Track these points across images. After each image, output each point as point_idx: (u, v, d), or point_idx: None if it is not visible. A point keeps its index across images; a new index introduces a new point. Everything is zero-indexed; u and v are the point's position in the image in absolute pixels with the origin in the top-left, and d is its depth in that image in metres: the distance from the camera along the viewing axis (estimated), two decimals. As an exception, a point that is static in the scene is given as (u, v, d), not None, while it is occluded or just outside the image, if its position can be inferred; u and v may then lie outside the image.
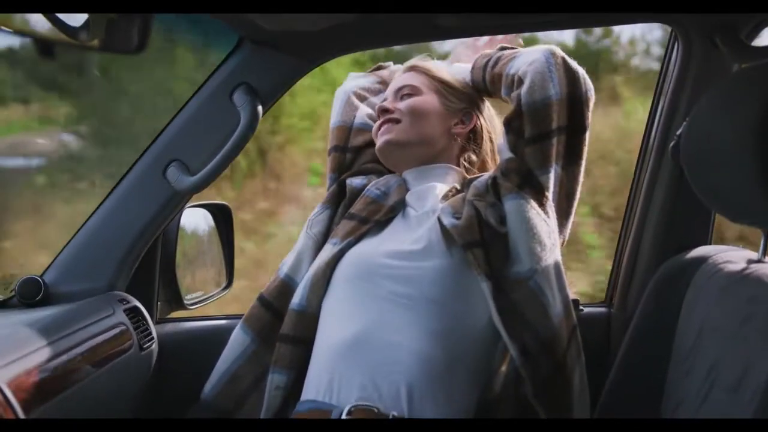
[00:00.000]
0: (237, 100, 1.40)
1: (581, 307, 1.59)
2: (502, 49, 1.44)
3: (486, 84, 1.44)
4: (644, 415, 1.26)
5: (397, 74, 1.53)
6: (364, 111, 1.56)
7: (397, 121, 1.42)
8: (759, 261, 1.17)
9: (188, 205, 1.53)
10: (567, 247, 1.39)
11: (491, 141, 1.49)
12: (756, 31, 1.37)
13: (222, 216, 1.74)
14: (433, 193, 1.36)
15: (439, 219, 1.26)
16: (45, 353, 1.06)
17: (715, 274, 1.20)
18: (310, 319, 1.29)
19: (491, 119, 1.51)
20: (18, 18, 0.96)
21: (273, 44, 1.39)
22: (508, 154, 1.33)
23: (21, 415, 0.92)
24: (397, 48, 1.77)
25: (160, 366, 1.46)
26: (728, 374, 1.03)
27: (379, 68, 1.66)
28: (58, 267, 1.41)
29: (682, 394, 1.15)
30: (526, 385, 1.18)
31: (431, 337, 1.18)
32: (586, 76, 1.35)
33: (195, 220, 1.68)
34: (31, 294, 1.35)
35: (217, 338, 1.41)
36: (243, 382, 1.34)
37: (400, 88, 1.46)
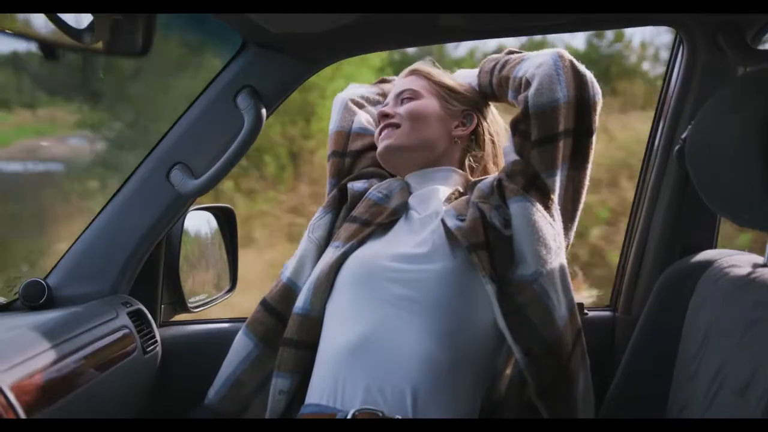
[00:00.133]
0: (241, 103, 1.40)
1: (586, 311, 1.58)
2: (510, 53, 1.44)
3: (493, 87, 1.44)
4: (649, 417, 1.25)
5: (399, 78, 1.53)
6: (362, 116, 1.57)
7: (397, 126, 1.42)
8: (765, 265, 1.17)
9: (192, 208, 1.53)
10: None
11: (493, 143, 1.49)
12: (761, 34, 1.37)
13: (225, 219, 1.74)
14: (436, 196, 1.36)
15: (442, 221, 1.26)
16: (48, 356, 1.06)
17: (720, 279, 1.19)
18: (313, 322, 1.29)
19: (495, 122, 1.51)
20: (24, 21, 0.96)
21: (276, 47, 1.39)
22: (514, 157, 1.32)
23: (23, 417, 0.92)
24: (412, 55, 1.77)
25: (163, 369, 1.46)
26: (735, 378, 1.03)
27: (383, 81, 1.67)
28: (62, 270, 1.41)
29: (688, 397, 1.15)
30: (530, 387, 1.18)
31: (435, 340, 1.17)
32: (594, 80, 1.35)
33: (198, 222, 1.67)
34: (34, 297, 1.35)
35: (221, 341, 1.41)
36: (247, 387, 1.34)
37: (400, 93, 1.46)
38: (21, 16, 0.95)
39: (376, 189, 1.42)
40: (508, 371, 1.26)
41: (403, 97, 1.45)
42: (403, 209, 1.36)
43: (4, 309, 1.37)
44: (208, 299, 1.67)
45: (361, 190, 1.43)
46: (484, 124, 1.47)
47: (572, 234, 1.37)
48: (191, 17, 1.56)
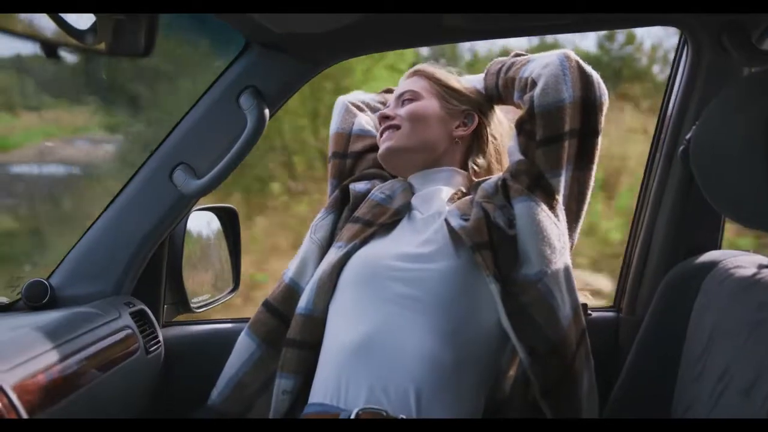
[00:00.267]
0: (244, 104, 1.40)
1: (590, 312, 1.58)
2: (517, 56, 1.44)
3: (499, 89, 1.44)
4: (653, 418, 1.25)
5: (401, 80, 1.53)
6: (362, 118, 1.57)
7: (398, 127, 1.42)
8: None
9: (195, 208, 1.53)
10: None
11: (496, 143, 1.48)
12: (766, 34, 1.36)
13: (228, 219, 1.74)
14: (439, 196, 1.36)
15: (446, 220, 1.26)
16: (51, 356, 1.06)
17: (725, 280, 1.19)
18: (316, 323, 1.29)
19: (498, 122, 1.50)
20: (26, 21, 0.96)
21: (279, 47, 1.39)
22: (518, 156, 1.32)
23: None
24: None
25: (166, 369, 1.46)
26: (740, 378, 1.03)
27: (388, 91, 1.67)
28: (65, 270, 1.41)
29: (693, 397, 1.15)
30: (534, 387, 1.17)
31: (439, 340, 1.17)
32: (601, 81, 1.35)
33: (201, 223, 1.67)
34: (37, 297, 1.35)
35: (224, 342, 1.41)
36: (250, 387, 1.34)
37: (401, 94, 1.46)
38: (23, 16, 0.95)
39: (378, 190, 1.42)
40: (512, 371, 1.26)
41: (403, 99, 1.45)
42: (406, 209, 1.36)
43: (6, 309, 1.37)
44: (211, 299, 1.67)
45: (363, 191, 1.43)
46: (486, 123, 1.47)
47: (576, 234, 1.37)
48: (194, 17, 1.56)
